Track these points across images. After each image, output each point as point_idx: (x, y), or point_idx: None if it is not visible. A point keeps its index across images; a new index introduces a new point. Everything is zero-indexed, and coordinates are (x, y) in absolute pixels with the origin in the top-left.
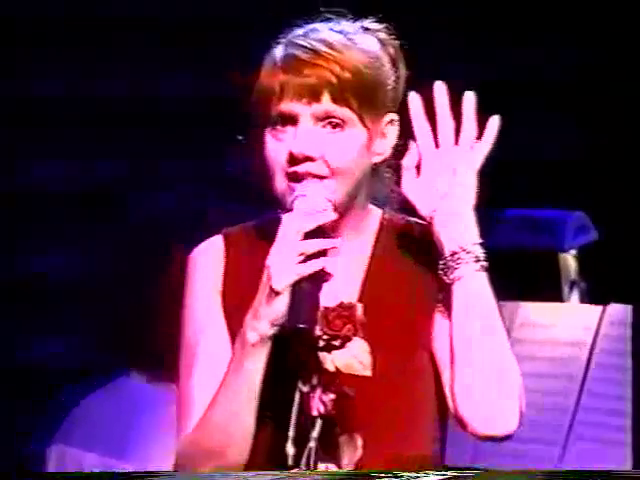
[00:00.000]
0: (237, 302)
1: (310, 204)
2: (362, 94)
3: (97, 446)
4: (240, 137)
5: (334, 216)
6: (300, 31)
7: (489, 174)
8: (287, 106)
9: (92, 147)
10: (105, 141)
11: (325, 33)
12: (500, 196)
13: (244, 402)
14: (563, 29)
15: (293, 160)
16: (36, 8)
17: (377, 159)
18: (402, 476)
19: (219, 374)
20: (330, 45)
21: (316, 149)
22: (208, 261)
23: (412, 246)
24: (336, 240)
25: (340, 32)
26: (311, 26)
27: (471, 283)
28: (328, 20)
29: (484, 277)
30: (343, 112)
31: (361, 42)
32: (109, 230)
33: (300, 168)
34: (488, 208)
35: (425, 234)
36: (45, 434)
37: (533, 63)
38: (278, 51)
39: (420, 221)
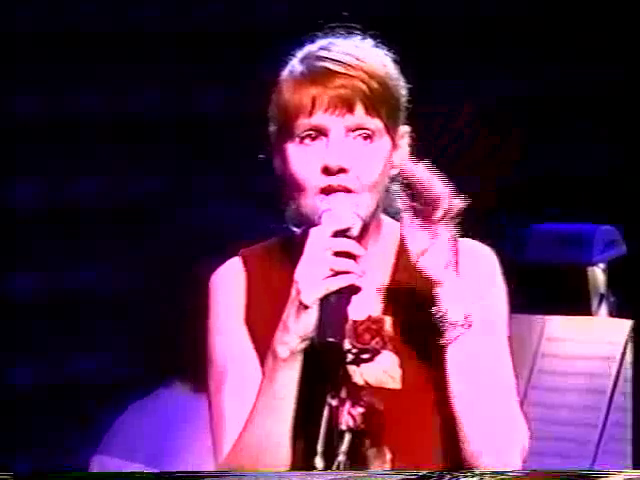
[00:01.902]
0: (261, 321)
1: (338, 218)
2: (389, 105)
3: (138, 457)
4: (261, 156)
5: (361, 230)
6: (318, 45)
7: (520, 190)
8: (319, 119)
9: (124, 163)
10: (137, 157)
11: (347, 46)
12: (531, 212)
13: (279, 418)
14: (594, 44)
15: (327, 172)
16: (65, 24)
17: (394, 171)
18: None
19: (250, 394)
20: (357, 57)
21: (350, 161)
22: (229, 284)
23: None
24: (362, 252)
25: (359, 46)
26: (327, 40)
27: (460, 348)
28: (339, 35)
29: (472, 339)
30: (374, 123)
31: (380, 55)
32: (141, 246)
33: (334, 180)
34: (518, 223)
35: None
36: (86, 447)
37: (564, 79)
38: (301, 65)
39: None
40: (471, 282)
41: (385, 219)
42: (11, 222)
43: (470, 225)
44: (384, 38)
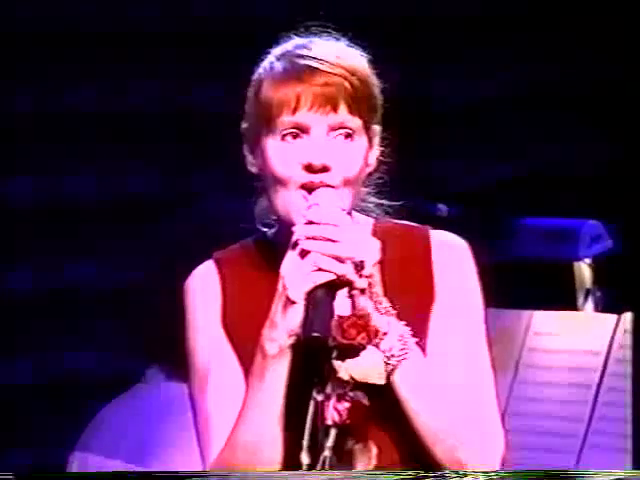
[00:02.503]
0: (238, 323)
1: (324, 213)
2: (369, 104)
3: (120, 453)
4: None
5: (349, 224)
6: (296, 43)
7: (508, 186)
8: (303, 117)
9: (124, 162)
10: (137, 156)
11: (327, 45)
12: (518, 207)
13: (271, 414)
14: (595, 45)
15: (310, 170)
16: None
17: (368, 169)
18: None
19: (234, 395)
20: (338, 56)
21: (332, 159)
22: (204, 287)
23: (407, 247)
24: (348, 246)
25: (337, 45)
26: (305, 39)
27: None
28: (315, 35)
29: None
30: (355, 122)
31: (358, 54)
32: (141, 244)
33: (316, 178)
34: (504, 218)
35: (419, 235)
36: (69, 442)
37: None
38: (281, 62)
39: (411, 223)
40: (444, 275)
41: (356, 215)
42: (9, 220)
43: (458, 221)
44: (359, 38)
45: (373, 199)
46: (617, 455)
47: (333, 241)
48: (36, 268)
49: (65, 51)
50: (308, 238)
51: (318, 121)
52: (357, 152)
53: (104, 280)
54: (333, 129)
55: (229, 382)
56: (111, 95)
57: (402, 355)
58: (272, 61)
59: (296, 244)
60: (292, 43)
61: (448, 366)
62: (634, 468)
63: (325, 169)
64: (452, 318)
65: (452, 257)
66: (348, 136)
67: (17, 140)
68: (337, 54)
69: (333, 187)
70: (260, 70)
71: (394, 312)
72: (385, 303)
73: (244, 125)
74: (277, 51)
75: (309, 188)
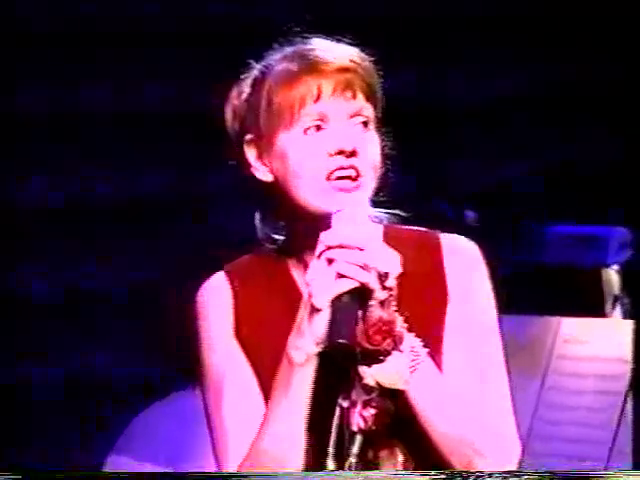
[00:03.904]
0: (252, 334)
1: (348, 219)
2: (378, 97)
3: (158, 457)
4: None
5: (373, 231)
6: (299, 44)
7: (535, 190)
8: (325, 104)
9: (139, 161)
10: (152, 155)
11: (331, 44)
12: (546, 213)
13: (296, 422)
14: (611, 45)
15: (342, 154)
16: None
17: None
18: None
19: (250, 407)
20: (344, 49)
21: (358, 144)
22: (216, 299)
23: (419, 254)
24: (373, 255)
25: (340, 45)
26: (307, 40)
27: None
28: (315, 37)
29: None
30: (370, 111)
31: (362, 53)
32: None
33: (346, 162)
34: (532, 225)
35: (430, 241)
36: (100, 446)
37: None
38: (290, 62)
39: (421, 228)
40: (457, 280)
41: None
42: (22, 221)
43: (484, 226)
44: (368, 39)
45: (383, 209)
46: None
47: (360, 249)
48: (52, 269)
49: (82, 50)
50: (334, 246)
51: (339, 108)
52: (374, 140)
53: (121, 281)
54: (352, 116)
55: (245, 393)
56: (127, 95)
57: (413, 366)
58: (274, 64)
59: (321, 252)
60: (291, 45)
61: (463, 374)
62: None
63: (354, 153)
64: (466, 324)
65: (464, 262)
66: (365, 125)
67: (27, 140)
68: (341, 47)
69: (360, 174)
70: (258, 75)
71: (406, 325)
72: (398, 316)
73: (249, 137)
74: (275, 55)
75: (339, 175)
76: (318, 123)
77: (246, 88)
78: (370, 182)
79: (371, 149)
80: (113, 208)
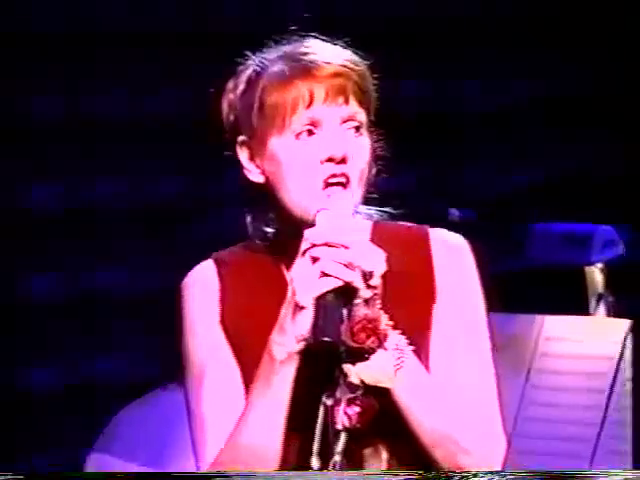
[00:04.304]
0: (237, 324)
1: (333, 217)
2: (372, 100)
3: (139, 456)
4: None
5: (359, 229)
6: (293, 45)
7: (522, 192)
8: (317, 110)
9: (155, 163)
10: (168, 157)
11: (324, 44)
12: (531, 212)
13: (273, 419)
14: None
15: (332, 161)
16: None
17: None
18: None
19: (231, 397)
20: (338, 52)
21: (349, 150)
22: (202, 286)
23: (407, 250)
24: (358, 253)
25: (333, 46)
26: (301, 41)
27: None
28: (308, 37)
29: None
30: (362, 116)
31: (354, 54)
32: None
33: (336, 169)
34: (517, 223)
35: (419, 235)
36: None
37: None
38: (283, 64)
39: (410, 224)
40: (445, 275)
41: (356, 217)
42: (28, 223)
43: (471, 225)
44: (354, 41)
45: (374, 206)
46: (629, 459)
47: (345, 247)
48: (66, 273)
49: (82, 53)
50: (318, 244)
51: (331, 113)
52: (366, 146)
53: (135, 285)
54: (344, 121)
55: (226, 381)
56: (142, 99)
57: (398, 364)
58: (268, 65)
59: (306, 250)
60: (286, 46)
61: (449, 370)
62: (634, 468)
63: (343, 160)
64: (454, 320)
65: (452, 257)
66: (357, 130)
67: (33, 142)
68: (335, 51)
69: (350, 181)
70: (252, 75)
71: (390, 323)
72: (383, 314)
73: (242, 138)
74: (270, 56)
75: (331, 183)
76: (310, 128)
77: (241, 84)
78: (359, 186)
79: (362, 154)
80: (115, 210)
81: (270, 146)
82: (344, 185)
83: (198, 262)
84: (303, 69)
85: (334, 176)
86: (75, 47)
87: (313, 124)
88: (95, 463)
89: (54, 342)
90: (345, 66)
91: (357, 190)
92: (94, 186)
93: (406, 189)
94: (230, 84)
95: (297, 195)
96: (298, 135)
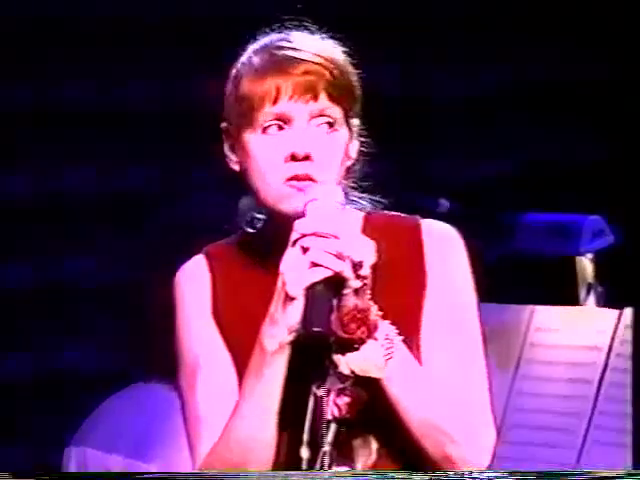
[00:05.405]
0: (229, 317)
1: (323, 208)
2: (349, 95)
3: (119, 448)
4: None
5: (348, 219)
6: (273, 37)
7: (508, 180)
8: (284, 107)
9: (121, 153)
10: (135, 148)
11: (305, 37)
12: (518, 202)
13: (266, 411)
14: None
15: (294, 160)
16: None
17: (349, 162)
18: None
19: (225, 391)
20: (317, 47)
21: (314, 148)
22: (194, 281)
23: (398, 240)
24: (347, 243)
25: (314, 37)
26: (282, 33)
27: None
28: (291, 29)
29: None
30: (336, 111)
31: (336, 46)
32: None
33: (299, 169)
34: (505, 214)
35: (410, 226)
36: (68, 436)
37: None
38: (259, 56)
39: (402, 214)
40: (436, 265)
41: (347, 208)
42: (6, 214)
43: (458, 215)
44: (336, 33)
45: (365, 195)
46: (618, 450)
47: (334, 237)
48: (35, 264)
49: (66, 48)
50: (308, 234)
51: (299, 110)
52: (339, 142)
53: (104, 276)
54: (314, 117)
55: (220, 375)
56: (111, 92)
57: (388, 354)
58: (250, 56)
59: (296, 240)
60: (269, 37)
61: (439, 360)
62: (634, 465)
63: (307, 158)
64: (444, 310)
65: (444, 247)
66: (330, 126)
67: (14, 133)
68: (315, 45)
69: (315, 180)
70: (238, 66)
71: (380, 313)
72: (372, 305)
73: (224, 124)
74: (255, 46)
75: (295, 179)
76: (279, 123)
77: (232, 72)
78: (334, 181)
79: (333, 150)
80: (94, 200)
81: (242, 138)
82: (311, 179)
83: (167, 249)
84: (275, 64)
85: (296, 176)
86: (44, 43)
87: (282, 120)
88: (76, 456)
89: (22, 330)
90: (319, 63)
91: (333, 184)
92: (62, 173)
93: (385, 177)
94: (232, 72)
95: (266, 189)
96: (265, 130)
